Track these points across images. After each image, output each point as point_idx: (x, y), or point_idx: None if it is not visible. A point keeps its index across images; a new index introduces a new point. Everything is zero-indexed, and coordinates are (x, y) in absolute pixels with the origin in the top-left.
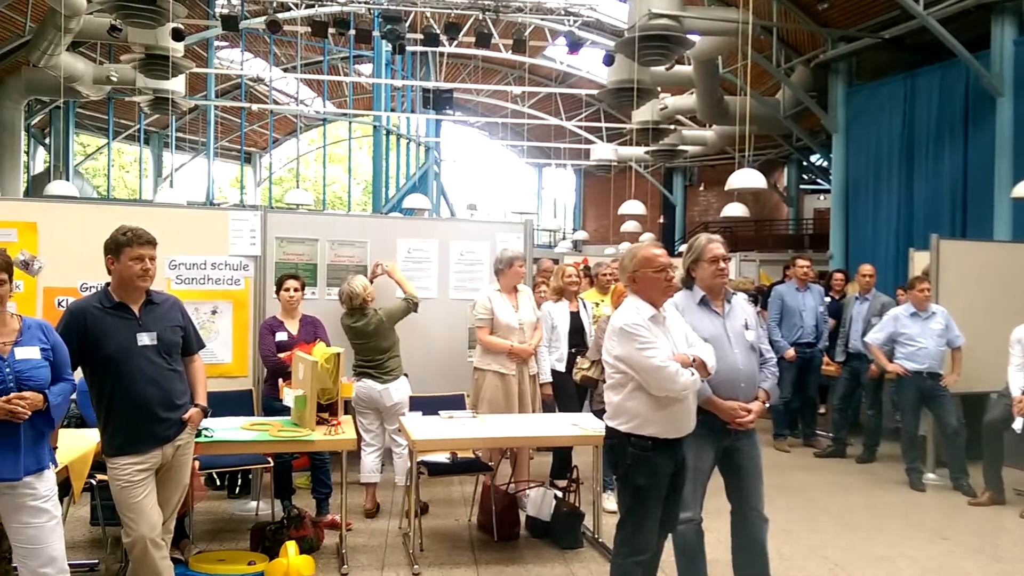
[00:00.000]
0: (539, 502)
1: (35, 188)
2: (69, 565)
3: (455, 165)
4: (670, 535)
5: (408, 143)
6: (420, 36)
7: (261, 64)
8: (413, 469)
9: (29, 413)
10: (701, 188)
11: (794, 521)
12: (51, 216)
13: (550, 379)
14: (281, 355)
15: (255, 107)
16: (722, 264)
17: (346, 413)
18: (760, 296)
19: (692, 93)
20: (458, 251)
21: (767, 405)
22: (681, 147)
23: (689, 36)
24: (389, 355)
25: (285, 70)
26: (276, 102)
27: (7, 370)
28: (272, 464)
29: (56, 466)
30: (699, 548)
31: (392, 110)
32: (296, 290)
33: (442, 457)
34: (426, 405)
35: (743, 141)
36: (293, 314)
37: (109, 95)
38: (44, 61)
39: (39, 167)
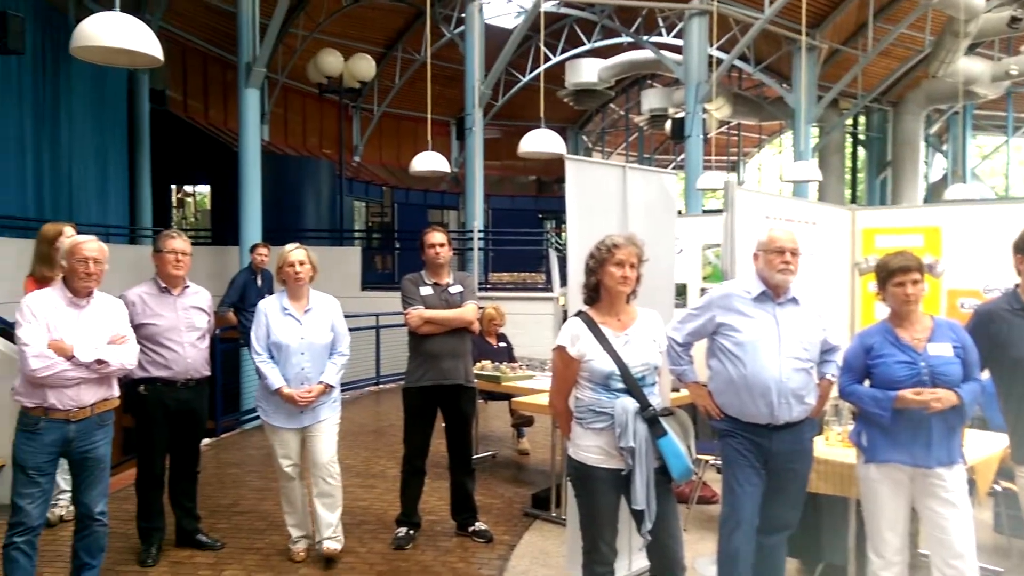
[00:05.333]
0: None
1: (933, 195)
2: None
3: None
4: None
5: None
6: None
7: None
8: None
9: (940, 408)
10: None
11: None
12: (953, 220)
13: None
14: None
15: None
16: None
17: None
18: None
19: None
20: None
21: None
22: None
23: None
24: None
25: None
26: None
27: (921, 364)
28: None
29: (965, 463)
30: None
31: None
32: None
33: None
34: None
35: None
36: None
37: (1008, 90)
38: (941, 70)
39: (936, 174)
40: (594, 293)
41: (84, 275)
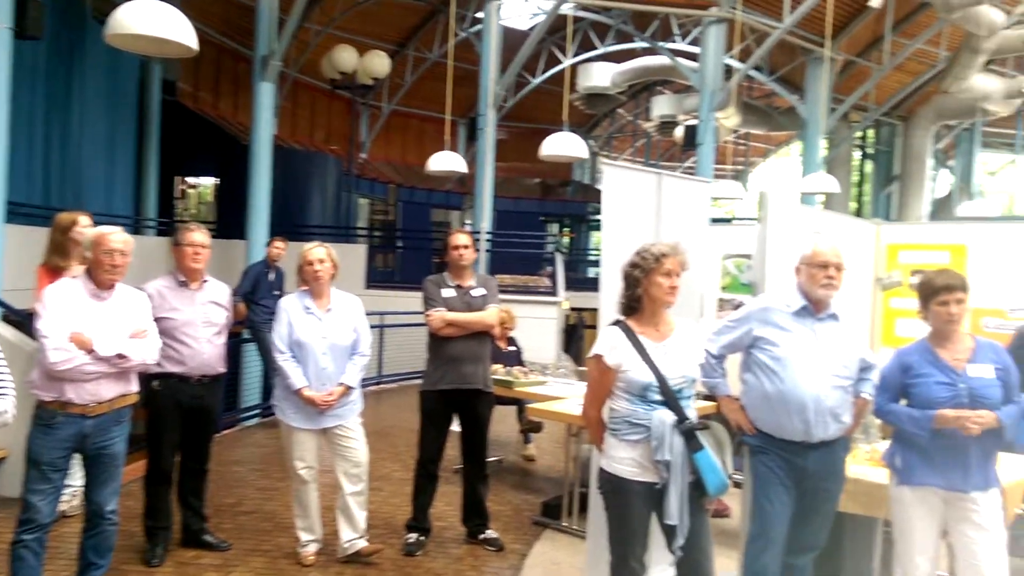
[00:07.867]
0: None
1: (939, 211)
2: None
3: None
4: None
5: None
6: None
7: None
8: None
9: (979, 431)
10: None
11: None
12: (979, 237)
13: None
14: None
15: None
16: None
17: None
18: None
19: None
20: None
21: None
22: None
23: None
24: None
25: None
26: None
27: (961, 385)
28: None
29: (1000, 488)
30: None
31: None
32: None
33: None
34: None
35: None
36: None
37: (1020, 108)
38: (955, 86)
39: (941, 190)
40: (636, 303)
41: (109, 267)
